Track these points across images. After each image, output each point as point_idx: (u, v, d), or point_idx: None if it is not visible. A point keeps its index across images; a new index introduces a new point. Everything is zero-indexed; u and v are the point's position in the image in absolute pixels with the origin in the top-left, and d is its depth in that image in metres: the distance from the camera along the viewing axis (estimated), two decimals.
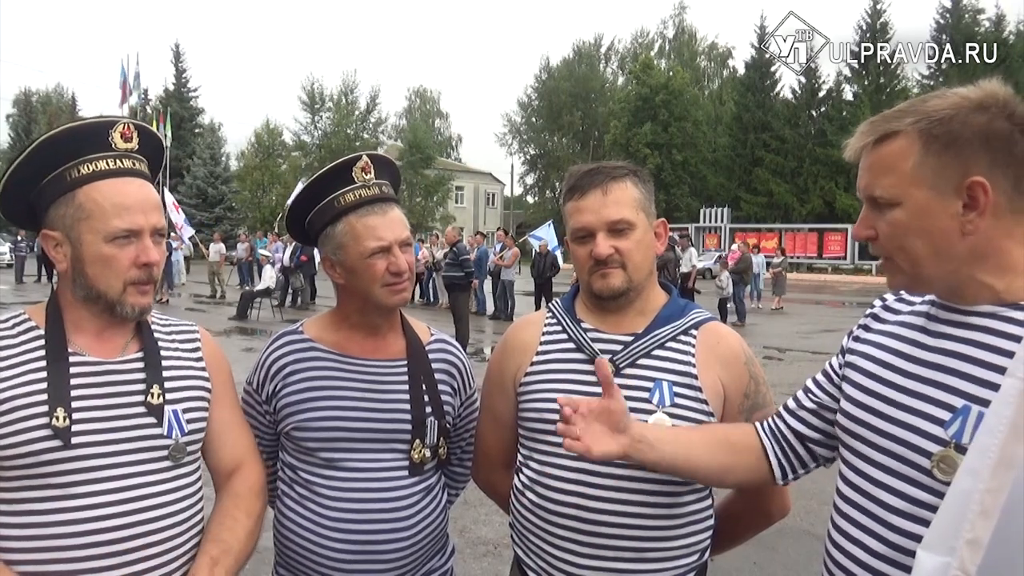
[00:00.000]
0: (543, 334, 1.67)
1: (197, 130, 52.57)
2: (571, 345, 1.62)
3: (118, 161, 1.41)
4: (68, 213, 1.37)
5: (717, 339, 1.61)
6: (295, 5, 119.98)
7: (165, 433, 1.42)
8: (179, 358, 1.52)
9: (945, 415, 1.10)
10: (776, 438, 1.43)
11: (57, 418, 1.31)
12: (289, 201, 1.69)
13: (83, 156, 1.38)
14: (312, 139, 47.65)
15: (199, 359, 1.56)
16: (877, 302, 1.37)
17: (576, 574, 1.53)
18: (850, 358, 1.32)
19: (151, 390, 1.42)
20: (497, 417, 1.74)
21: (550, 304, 1.75)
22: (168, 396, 1.44)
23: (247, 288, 18.70)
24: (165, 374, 1.46)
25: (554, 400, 1.56)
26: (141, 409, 1.41)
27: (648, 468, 1.41)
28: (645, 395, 1.52)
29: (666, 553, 1.54)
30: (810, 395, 1.41)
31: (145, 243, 1.40)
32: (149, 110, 50.59)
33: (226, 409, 1.59)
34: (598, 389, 1.52)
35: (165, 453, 1.42)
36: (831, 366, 1.39)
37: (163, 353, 1.49)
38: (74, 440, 1.32)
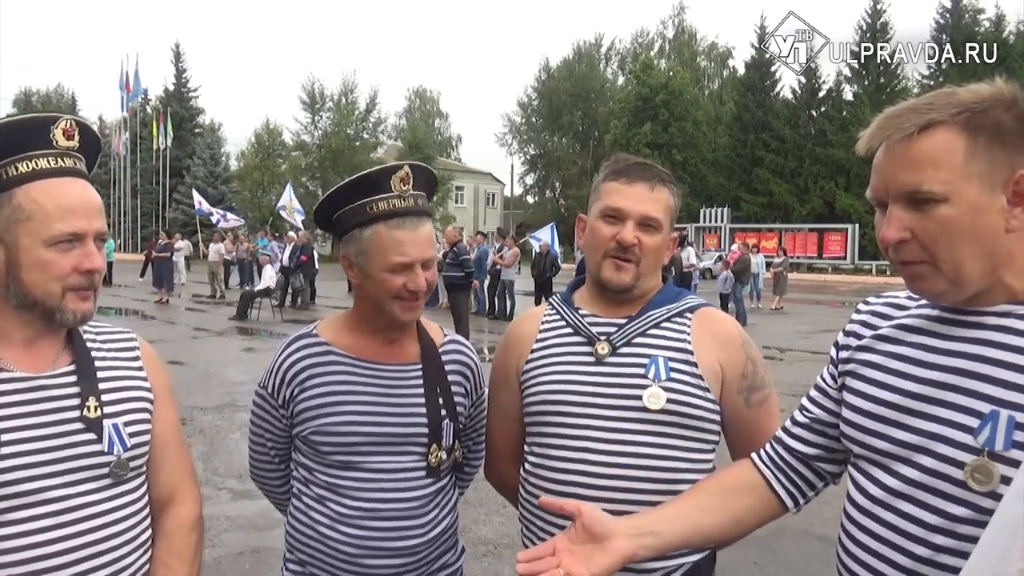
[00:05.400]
0: (542, 324, 1.71)
1: (197, 130, 52.64)
2: (568, 330, 1.66)
3: (59, 160, 1.29)
4: (3, 214, 1.25)
5: (713, 321, 1.64)
6: (295, 5, 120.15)
7: (106, 449, 1.31)
8: (117, 367, 1.41)
9: (973, 422, 1.04)
10: (777, 465, 1.37)
11: None
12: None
13: (21, 153, 1.27)
14: (312, 139, 47.66)
15: (139, 368, 1.45)
16: (862, 306, 1.31)
17: None
18: (850, 367, 1.26)
19: (87, 403, 1.31)
20: (504, 412, 1.77)
21: (550, 298, 1.79)
22: (107, 409, 1.33)
23: (247, 288, 18.70)
24: (102, 385, 1.35)
25: (554, 383, 1.61)
26: (78, 425, 1.29)
27: (663, 553, 1.34)
28: (641, 371, 1.55)
29: None
30: (804, 412, 1.36)
31: (88, 248, 1.29)
32: (149, 110, 50.71)
33: (166, 424, 1.47)
34: (598, 368, 1.58)
35: (106, 471, 1.31)
36: (823, 379, 1.34)
37: (98, 364, 1.37)
38: (3, 475, 1.20)
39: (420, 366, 1.70)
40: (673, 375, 1.54)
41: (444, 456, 1.68)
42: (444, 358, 1.74)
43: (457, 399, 1.73)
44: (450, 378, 1.73)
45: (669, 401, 1.52)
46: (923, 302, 1.20)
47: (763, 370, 1.64)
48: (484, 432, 1.88)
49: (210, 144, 50.00)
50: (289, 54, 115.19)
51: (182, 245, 23.74)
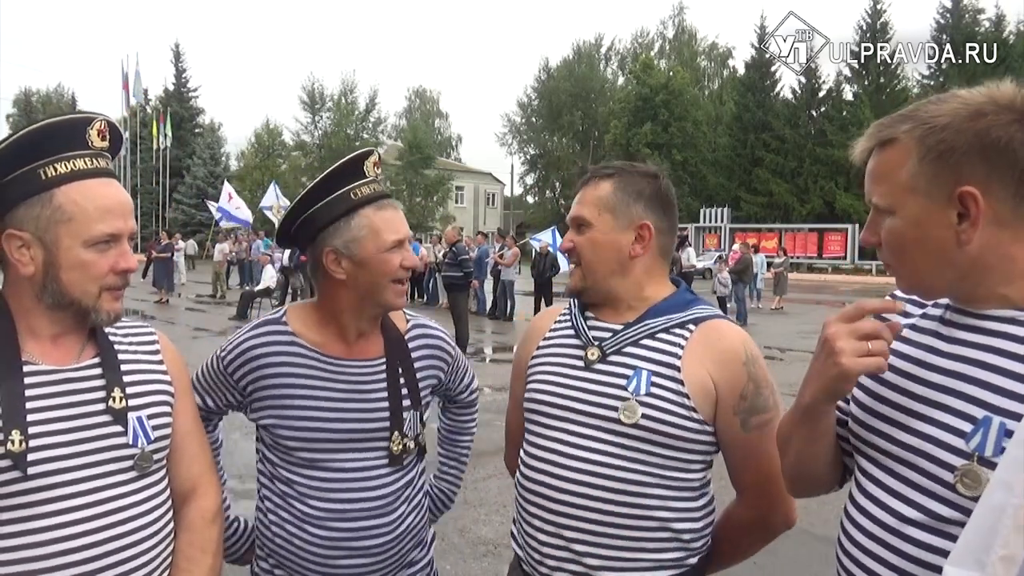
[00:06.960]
0: (554, 322, 1.73)
1: (197, 130, 52.72)
2: (571, 331, 1.66)
3: (95, 160, 1.32)
4: (43, 214, 1.26)
5: (718, 336, 1.55)
6: (295, 5, 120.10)
7: (130, 442, 1.33)
8: (139, 361, 1.43)
9: (966, 426, 1.06)
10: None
11: (12, 442, 1.20)
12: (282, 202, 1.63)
13: (58, 153, 1.28)
14: (312, 139, 47.66)
15: (160, 361, 1.48)
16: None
17: (542, 550, 1.57)
18: None
19: (112, 393, 1.33)
20: (517, 401, 1.78)
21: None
22: (131, 402, 1.36)
23: (247, 288, 18.71)
24: (126, 379, 1.37)
25: (544, 383, 1.63)
26: (104, 417, 1.32)
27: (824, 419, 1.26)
28: (623, 383, 1.53)
29: (634, 544, 1.51)
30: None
31: (124, 248, 1.33)
32: (149, 110, 50.72)
33: (186, 418, 1.50)
34: (584, 374, 1.58)
35: (130, 464, 1.33)
36: None
37: (121, 357, 1.40)
38: (31, 468, 1.22)
39: (384, 360, 1.70)
40: (653, 390, 1.50)
41: (410, 445, 1.69)
42: (411, 344, 1.76)
43: (430, 382, 1.76)
44: (422, 363, 1.75)
45: (644, 417, 1.48)
46: (938, 301, 1.21)
47: (769, 392, 1.54)
48: (475, 391, 1.97)
49: (210, 144, 50.03)
50: (289, 54, 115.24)
51: (183, 245, 23.73)
